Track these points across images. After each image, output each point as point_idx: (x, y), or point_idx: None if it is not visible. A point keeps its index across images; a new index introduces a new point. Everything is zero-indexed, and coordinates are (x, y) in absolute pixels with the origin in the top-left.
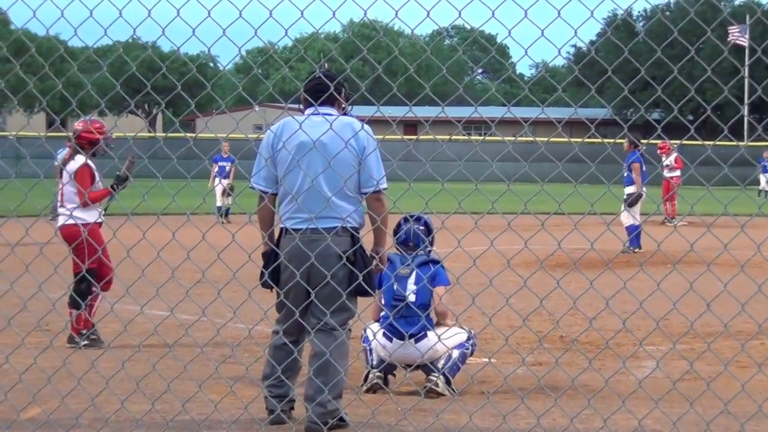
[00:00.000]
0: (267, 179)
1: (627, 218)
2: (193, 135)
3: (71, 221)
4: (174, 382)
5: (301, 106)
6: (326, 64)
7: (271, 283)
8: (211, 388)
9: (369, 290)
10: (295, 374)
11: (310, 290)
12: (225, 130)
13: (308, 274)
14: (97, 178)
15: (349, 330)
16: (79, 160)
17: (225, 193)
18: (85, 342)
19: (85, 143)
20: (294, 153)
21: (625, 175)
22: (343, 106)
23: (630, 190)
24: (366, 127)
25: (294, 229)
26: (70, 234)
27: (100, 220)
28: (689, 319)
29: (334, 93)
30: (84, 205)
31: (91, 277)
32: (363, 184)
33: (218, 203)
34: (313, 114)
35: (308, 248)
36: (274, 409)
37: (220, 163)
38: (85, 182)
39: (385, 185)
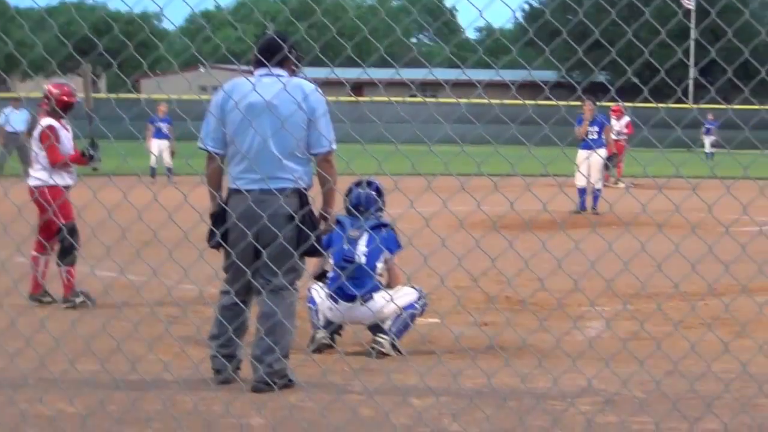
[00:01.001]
0: (216, 140)
1: (598, 181)
2: (146, 96)
3: (34, 183)
4: (124, 343)
5: (252, 67)
6: (271, 26)
7: (221, 242)
8: (161, 348)
9: (317, 251)
10: (242, 334)
11: (261, 250)
12: (171, 91)
13: (257, 234)
14: (65, 140)
15: (297, 290)
16: (45, 122)
17: (171, 154)
18: (81, 299)
19: (60, 107)
20: (244, 113)
21: (594, 137)
22: (293, 67)
23: (603, 152)
24: (310, 85)
25: (243, 190)
26: (33, 195)
27: (64, 183)
28: (639, 279)
29: (286, 54)
30: (52, 167)
31: (72, 232)
32: (313, 146)
33: (153, 164)
34: (263, 75)
35: (257, 209)
36: (222, 369)
37: (157, 124)
38: (51, 144)
39: (335, 146)
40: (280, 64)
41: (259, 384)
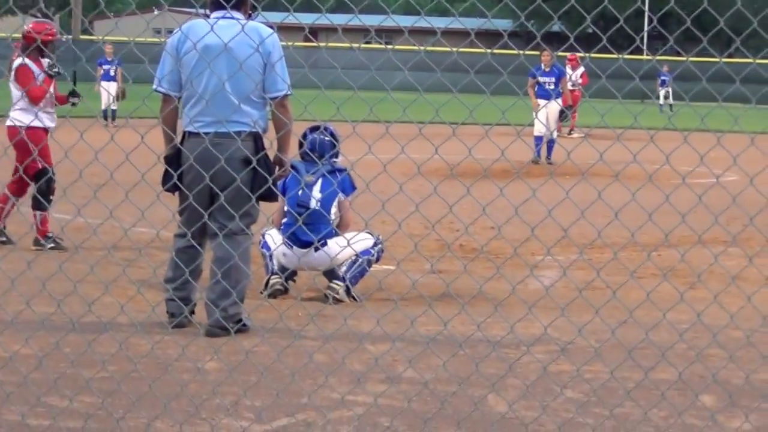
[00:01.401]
0: (171, 82)
1: (554, 131)
2: (101, 38)
3: (11, 122)
4: (79, 284)
5: (208, 11)
6: None
7: (178, 185)
8: (117, 291)
9: (273, 195)
10: (197, 277)
11: (218, 193)
12: (122, 33)
13: (212, 177)
14: (38, 77)
15: (251, 234)
16: (18, 61)
17: (118, 96)
18: (51, 245)
19: (27, 43)
20: (200, 56)
21: (552, 87)
22: (250, 12)
23: (559, 104)
24: (267, 30)
25: (198, 133)
26: (10, 135)
27: (43, 125)
28: (596, 228)
29: (239, 1)
30: (35, 105)
31: (45, 177)
32: (269, 89)
33: (103, 106)
34: (220, 18)
35: (212, 151)
36: (177, 313)
37: (105, 66)
38: (26, 82)
39: (290, 91)
40: (237, 7)
41: (214, 328)
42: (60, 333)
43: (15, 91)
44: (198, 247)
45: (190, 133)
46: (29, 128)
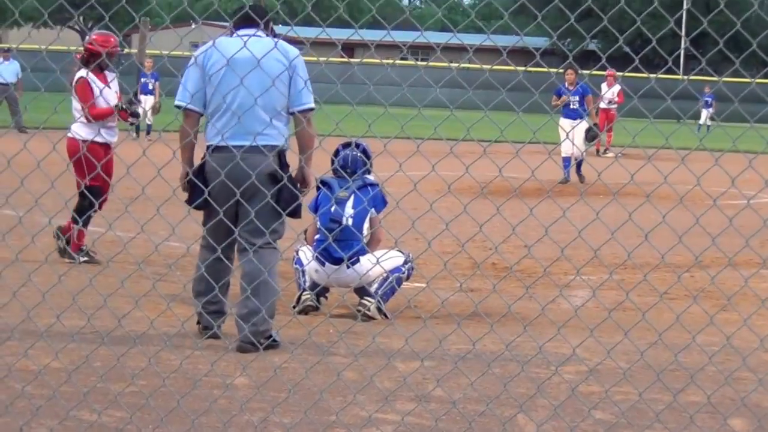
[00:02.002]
0: (195, 97)
1: (582, 150)
2: (135, 50)
3: (71, 135)
4: (110, 298)
5: (232, 29)
6: None
7: (207, 199)
8: (147, 305)
9: (297, 211)
10: (226, 291)
11: (246, 205)
12: (160, 47)
13: (234, 191)
14: (98, 93)
15: (279, 250)
16: (79, 73)
17: (153, 110)
18: (84, 258)
19: (88, 56)
20: (226, 70)
21: (575, 107)
22: (273, 32)
23: (585, 124)
24: (290, 46)
25: (223, 147)
26: (68, 148)
27: (104, 140)
28: (626, 249)
29: (267, 20)
30: (87, 121)
31: (92, 195)
32: (293, 104)
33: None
34: (245, 35)
35: (237, 165)
36: (210, 326)
37: (143, 80)
38: (85, 97)
39: (311, 104)
40: (265, 28)
41: (244, 344)
42: (90, 347)
43: (75, 104)
44: (226, 260)
45: (215, 147)
46: (89, 143)
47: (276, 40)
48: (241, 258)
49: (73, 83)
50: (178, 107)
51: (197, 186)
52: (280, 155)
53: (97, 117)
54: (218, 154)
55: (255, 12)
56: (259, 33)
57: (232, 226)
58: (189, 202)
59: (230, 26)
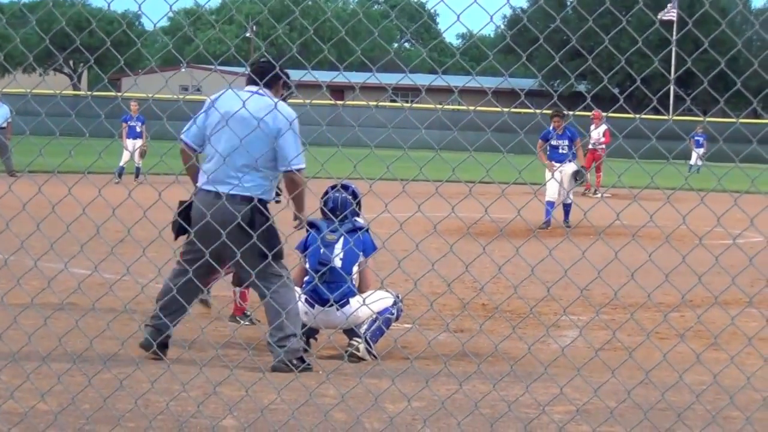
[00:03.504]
0: (196, 136)
1: (569, 194)
2: (120, 94)
3: None
4: (96, 340)
5: (245, 83)
6: (254, 27)
7: (189, 232)
8: (134, 346)
9: (267, 253)
10: (182, 314)
11: (230, 246)
12: (151, 90)
13: (208, 233)
14: None
15: (281, 273)
16: None
17: (140, 153)
18: (246, 323)
19: None
20: (219, 120)
21: (564, 151)
22: (282, 91)
23: (573, 167)
24: (287, 109)
25: (204, 190)
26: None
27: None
28: (613, 288)
29: (275, 79)
30: None
31: None
32: (279, 163)
33: (122, 163)
34: (249, 91)
35: (209, 210)
36: (149, 345)
37: (130, 123)
38: None
39: (299, 165)
40: (268, 86)
41: (280, 364)
42: (77, 389)
43: None
44: (194, 285)
45: (199, 188)
46: None
47: (272, 99)
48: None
49: None
50: (181, 141)
51: (181, 216)
52: (255, 205)
53: None
54: (200, 194)
55: (269, 68)
56: (266, 91)
57: (213, 264)
58: (174, 231)
59: (246, 74)
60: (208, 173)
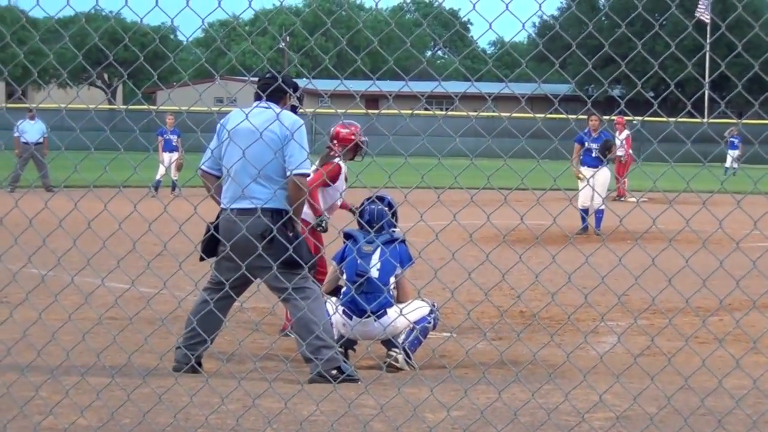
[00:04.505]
0: (214, 162)
1: (602, 201)
2: (155, 107)
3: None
4: (134, 355)
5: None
6: (288, 38)
7: (217, 253)
8: (172, 360)
9: (297, 262)
10: (217, 329)
11: (262, 259)
12: (185, 103)
13: (239, 249)
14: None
15: (311, 286)
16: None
17: (176, 167)
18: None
19: (348, 146)
20: (230, 138)
21: (597, 155)
22: (293, 104)
23: (607, 172)
24: (292, 117)
25: (226, 209)
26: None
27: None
28: (650, 294)
29: (282, 92)
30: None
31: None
32: (287, 167)
33: (159, 177)
34: (257, 106)
35: (235, 226)
36: (186, 360)
37: (166, 137)
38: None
39: (302, 170)
40: (274, 99)
41: (315, 376)
42: (116, 404)
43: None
44: (225, 304)
45: (222, 208)
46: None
47: (281, 111)
48: (287, 307)
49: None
50: (199, 169)
51: (208, 242)
52: (273, 215)
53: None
54: (223, 216)
55: (274, 82)
56: (265, 104)
57: (250, 277)
58: (202, 252)
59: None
60: (228, 192)
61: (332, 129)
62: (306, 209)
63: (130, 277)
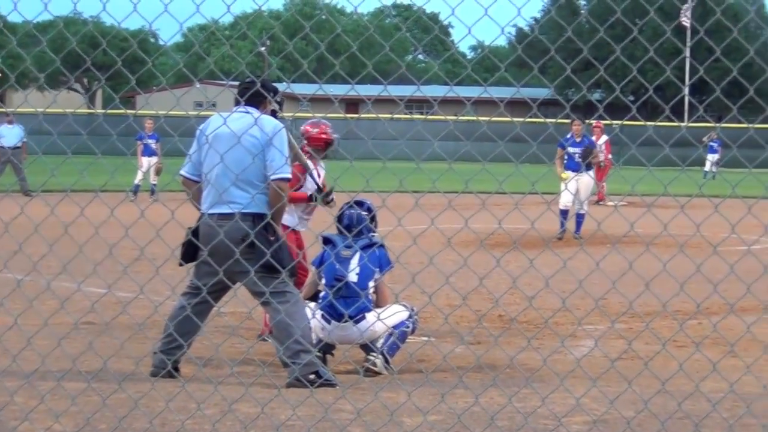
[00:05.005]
0: (193, 167)
1: (584, 204)
2: (133, 112)
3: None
4: (111, 360)
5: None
6: (267, 42)
7: (196, 257)
8: (148, 366)
9: (279, 266)
10: (195, 333)
11: (242, 264)
12: (165, 107)
13: (219, 254)
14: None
15: (290, 291)
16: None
17: (156, 171)
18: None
19: (318, 146)
20: (210, 144)
21: (580, 160)
22: (272, 108)
23: (589, 177)
24: (272, 121)
25: (206, 214)
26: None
27: (294, 227)
28: (628, 298)
29: (262, 96)
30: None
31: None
32: (267, 172)
33: (137, 181)
34: (236, 111)
35: (214, 232)
36: (163, 365)
37: (146, 141)
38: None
39: (282, 175)
40: (254, 104)
41: (293, 380)
42: (92, 409)
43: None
44: (204, 308)
45: (202, 213)
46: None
47: (260, 116)
48: (267, 311)
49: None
50: (179, 175)
51: (188, 245)
52: (254, 219)
53: (292, 202)
54: (203, 221)
55: (262, 81)
56: (247, 110)
57: (229, 283)
58: (182, 258)
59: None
60: (209, 197)
61: (301, 128)
62: (287, 215)
63: (107, 282)
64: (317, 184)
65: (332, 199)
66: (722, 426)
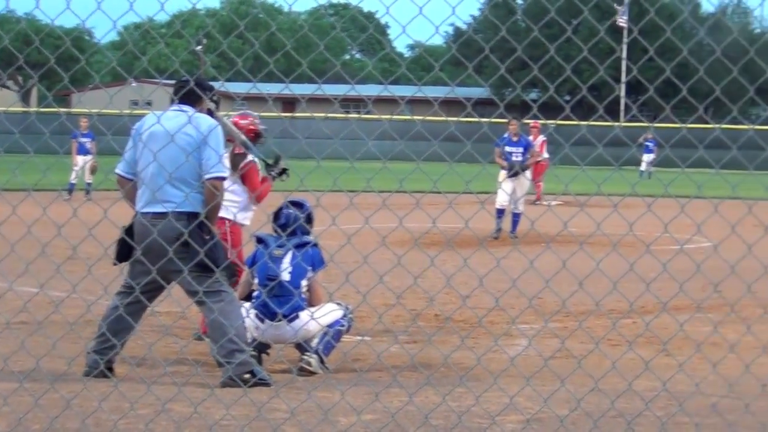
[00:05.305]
0: (128, 165)
1: (521, 203)
2: (66, 110)
3: (237, 222)
4: (43, 360)
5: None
6: (203, 40)
7: (130, 256)
8: (81, 365)
9: (211, 266)
10: (129, 333)
11: (176, 264)
12: (101, 105)
13: (153, 253)
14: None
15: (224, 290)
16: (248, 158)
17: (91, 170)
18: (197, 338)
19: (250, 137)
20: (144, 142)
21: (519, 159)
22: (208, 107)
23: (526, 178)
24: (207, 120)
25: (140, 213)
26: (237, 236)
27: (242, 222)
28: (562, 297)
29: (199, 96)
30: (257, 203)
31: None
32: (203, 171)
33: (72, 180)
34: (172, 110)
35: (148, 231)
36: (96, 365)
37: (80, 140)
38: (257, 182)
39: (217, 174)
40: (190, 102)
41: (227, 380)
42: (24, 409)
43: (237, 188)
44: (137, 308)
45: (136, 212)
46: (234, 224)
47: (195, 114)
48: (201, 310)
49: (241, 167)
50: (115, 173)
51: (122, 242)
52: (189, 218)
53: (261, 200)
54: (137, 220)
55: (198, 81)
56: (185, 108)
57: (163, 282)
58: (116, 257)
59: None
60: (144, 196)
61: (230, 120)
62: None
63: (39, 281)
64: (262, 158)
65: (284, 170)
66: (655, 424)
